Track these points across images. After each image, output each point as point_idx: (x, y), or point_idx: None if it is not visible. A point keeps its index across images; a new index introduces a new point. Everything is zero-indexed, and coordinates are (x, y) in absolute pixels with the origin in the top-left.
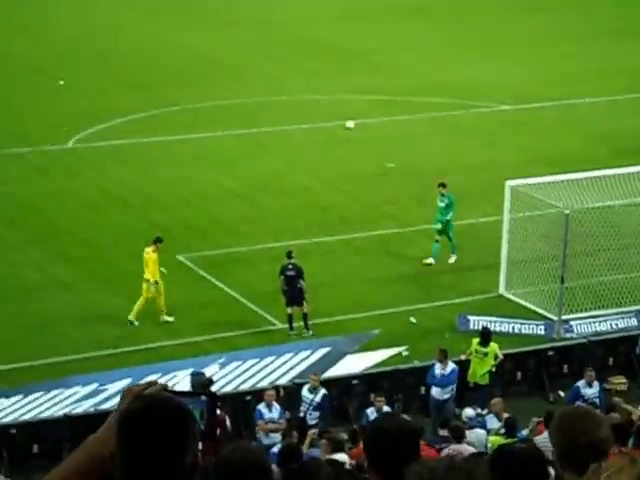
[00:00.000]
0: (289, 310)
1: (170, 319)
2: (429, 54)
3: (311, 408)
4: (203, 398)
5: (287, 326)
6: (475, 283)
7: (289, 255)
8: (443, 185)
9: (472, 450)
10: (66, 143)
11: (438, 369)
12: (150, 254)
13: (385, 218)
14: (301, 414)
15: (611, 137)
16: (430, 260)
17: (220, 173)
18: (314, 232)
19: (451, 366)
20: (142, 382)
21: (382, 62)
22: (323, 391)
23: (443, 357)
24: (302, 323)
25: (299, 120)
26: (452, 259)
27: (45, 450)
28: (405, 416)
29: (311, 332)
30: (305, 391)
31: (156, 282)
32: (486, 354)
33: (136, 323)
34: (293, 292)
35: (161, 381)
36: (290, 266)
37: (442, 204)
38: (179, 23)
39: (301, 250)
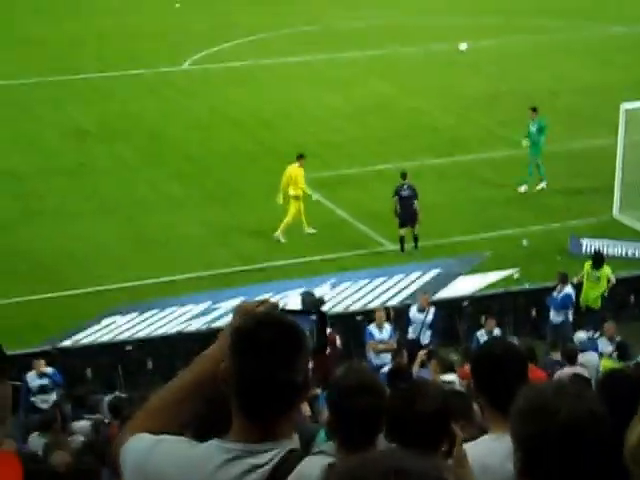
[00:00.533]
0: (402, 232)
1: (313, 231)
2: None
3: (424, 328)
4: (313, 317)
5: (398, 247)
6: (588, 205)
7: (404, 176)
8: (534, 109)
9: (586, 372)
10: (182, 64)
11: (555, 292)
12: (296, 169)
13: (497, 140)
14: (413, 335)
15: None
16: (542, 185)
17: (331, 95)
18: (425, 154)
19: (566, 290)
20: (254, 299)
21: None
22: (433, 309)
23: (559, 280)
24: (413, 244)
25: (411, 42)
26: (522, 189)
27: (159, 366)
28: (514, 339)
29: (417, 251)
30: (414, 312)
31: (309, 195)
32: (599, 278)
33: (283, 240)
34: (407, 213)
35: (272, 300)
36: (405, 187)
37: (533, 128)
38: None
39: (411, 172)
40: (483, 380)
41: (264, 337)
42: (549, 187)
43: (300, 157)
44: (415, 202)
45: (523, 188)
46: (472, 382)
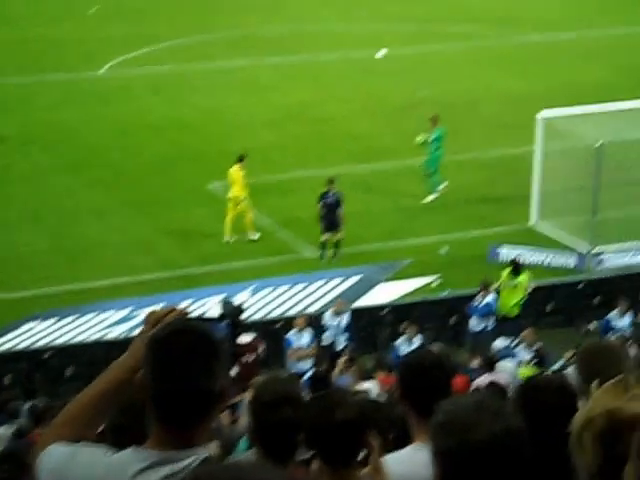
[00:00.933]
0: (324, 237)
1: (256, 237)
2: None
3: (339, 332)
4: (224, 325)
5: (319, 253)
6: (506, 214)
7: (331, 182)
8: (434, 119)
9: (504, 379)
10: (99, 70)
11: (476, 300)
12: (237, 171)
13: (416, 148)
14: (329, 340)
15: None
16: (431, 198)
17: (252, 101)
18: (344, 161)
19: (488, 298)
20: (163, 307)
21: None
22: (347, 314)
23: (482, 288)
24: (333, 251)
25: (331, 49)
26: (430, 198)
27: (78, 373)
28: (438, 346)
29: (336, 258)
30: (329, 317)
31: (245, 198)
32: (516, 285)
33: (231, 240)
34: (331, 219)
35: (193, 307)
36: (331, 193)
37: (432, 137)
38: None
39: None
40: (409, 389)
41: (180, 346)
42: (470, 195)
43: (241, 159)
44: (339, 209)
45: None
46: (397, 391)
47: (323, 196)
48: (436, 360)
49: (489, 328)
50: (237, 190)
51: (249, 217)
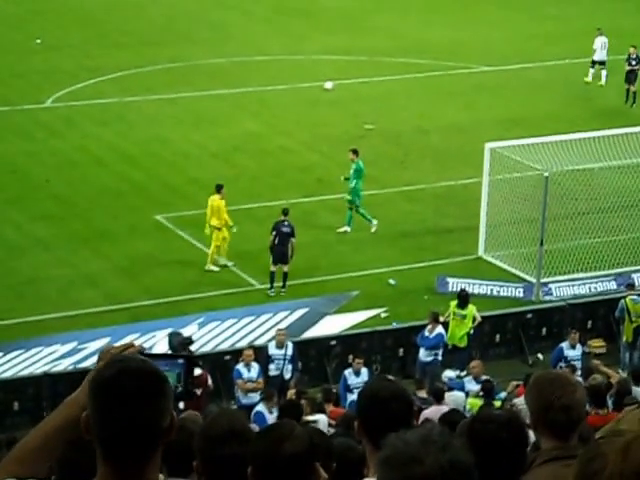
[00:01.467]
0: (273, 268)
1: (216, 268)
2: (408, 14)
3: (286, 362)
4: (180, 361)
5: (267, 285)
6: (454, 245)
7: (285, 212)
8: (355, 151)
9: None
10: (44, 102)
11: (426, 331)
12: (217, 201)
13: (364, 179)
14: (276, 372)
15: (590, 99)
16: (345, 228)
17: (199, 133)
18: (293, 193)
19: (437, 330)
20: (119, 343)
21: (361, 23)
22: (291, 344)
23: (432, 319)
24: (281, 284)
25: (278, 81)
26: (344, 229)
27: (25, 407)
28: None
29: (284, 292)
30: (273, 349)
31: (231, 227)
32: (464, 316)
33: (215, 268)
34: (282, 250)
35: (140, 341)
36: (286, 223)
37: (351, 170)
38: None
39: (279, 211)
40: (367, 422)
41: (123, 384)
42: (418, 226)
43: (220, 188)
44: (292, 240)
45: (373, 228)
46: (356, 423)
47: (277, 226)
48: (396, 391)
49: (439, 359)
50: (216, 220)
51: (221, 248)
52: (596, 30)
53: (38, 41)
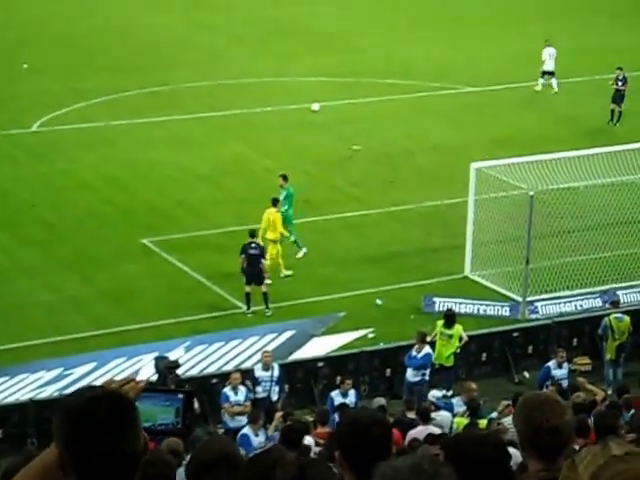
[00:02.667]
0: (248, 289)
1: (289, 273)
2: (394, 36)
3: (272, 384)
4: (180, 395)
5: (246, 306)
6: (441, 265)
7: (252, 234)
8: (284, 177)
9: (438, 431)
10: (30, 127)
11: (414, 351)
12: (273, 214)
13: (351, 200)
14: (263, 394)
15: (574, 118)
16: (300, 253)
17: (185, 156)
18: None
19: (425, 350)
20: (120, 378)
21: (347, 44)
22: (277, 366)
23: (419, 340)
24: (263, 303)
25: (264, 103)
26: (300, 254)
27: (10, 434)
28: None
29: (271, 312)
30: (260, 371)
31: (286, 237)
32: (451, 336)
33: (289, 272)
34: (253, 271)
35: (126, 365)
36: (253, 245)
37: (281, 197)
38: (145, 5)
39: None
40: (347, 449)
41: (90, 415)
42: (404, 246)
43: (276, 201)
44: (262, 260)
45: (301, 253)
46: (335, 451)
47: (245, 248)
48: (375, 418)
49: (426, 379)
50: (271, 233)
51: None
52: (545, 41)
53: (25, 66)
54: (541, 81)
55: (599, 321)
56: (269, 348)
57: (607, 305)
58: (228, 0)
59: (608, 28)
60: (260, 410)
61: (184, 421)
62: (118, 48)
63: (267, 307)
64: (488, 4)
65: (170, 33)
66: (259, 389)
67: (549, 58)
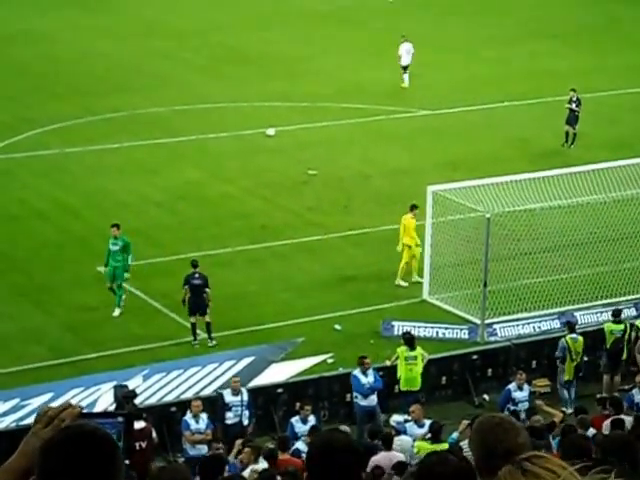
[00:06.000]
0: (192, 319)
1: (420, 280)
2: (347, 59)
3: (243, 409)
4: (120, 419)
5: (192, 337)
6: (399, 289)
7: (194, 264)
8: (117, 226)
9: (401, 457)
10: None
11: (362, 378)
12: (408, 220)
13: (307, 225)
14: (235, 419)
15: (529, 141)
16: (116, 312)
17: (140, 182)
18: (236, 240)
19: (373, 373)
20: (57, 404)
21: (301, 68)
22: (245, 390)
23: (362, 364)
24: (207, 336)
25: (219, 128)
26: (116, 312)
27: None
28: (345, 428)
29: (215, 342)
30: (230, 396)
31: (417, 245)
32: (415, 357)
33: (404, 284)
34: (198, 301)
35: (84, 394)
36: (196, 275)
37: (116, 247)
38: (96, 31)
39: (223, 259)
40: (316, 474)
41: (75, 452)
42: (362, 270)
43: (413, 207)
44: (206, 290)
45: (117, 312)
46: (305, 474)
47: (188, 279)
48: (346, 442)
49: (377, 404)
50: (408, 238)
51: (412, 264)
52: (401, 37)
53: None
54: (405, 77)
55: (558, 342)
56: (228, 375)
57: (563, 327)
58: (180, 27)
59: (561, 50)
60: (232, 435)
61: (127, 444)
62: (70, 75)
63: (210, 338)
64: (440, 29)
65: (122, 60)
66: (230, 414)
67: (406, 53)
